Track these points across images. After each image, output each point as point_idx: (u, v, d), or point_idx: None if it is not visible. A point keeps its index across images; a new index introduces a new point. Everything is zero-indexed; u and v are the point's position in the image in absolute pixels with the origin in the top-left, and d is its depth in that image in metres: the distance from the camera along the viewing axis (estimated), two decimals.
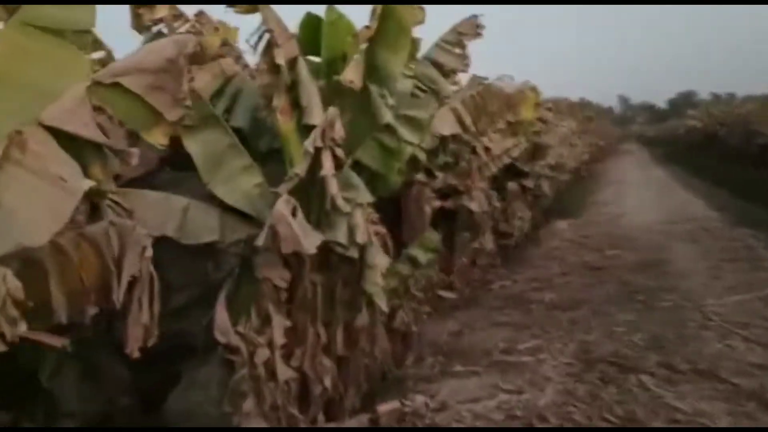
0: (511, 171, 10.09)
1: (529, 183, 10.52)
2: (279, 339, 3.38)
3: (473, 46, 4.95)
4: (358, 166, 4.02)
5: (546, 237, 10.35)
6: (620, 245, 9.06)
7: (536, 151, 10.94)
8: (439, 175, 7.04)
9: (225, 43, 4.36)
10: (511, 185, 10.02)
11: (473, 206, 7.79)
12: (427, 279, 6.56)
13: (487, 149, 7.94)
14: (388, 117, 3.96)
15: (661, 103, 75.99)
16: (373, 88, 3.89)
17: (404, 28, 4.00)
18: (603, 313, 5.84)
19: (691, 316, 5.56)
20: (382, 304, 3.89)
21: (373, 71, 3.90)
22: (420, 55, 4.83)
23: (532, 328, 5.62)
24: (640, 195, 15.77)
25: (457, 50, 4.85)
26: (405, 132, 4.19)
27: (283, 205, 3.21)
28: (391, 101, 3.97)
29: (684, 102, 59.51)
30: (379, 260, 3.86)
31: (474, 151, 7.78)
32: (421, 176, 6.41)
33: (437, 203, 7.11)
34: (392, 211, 5.96)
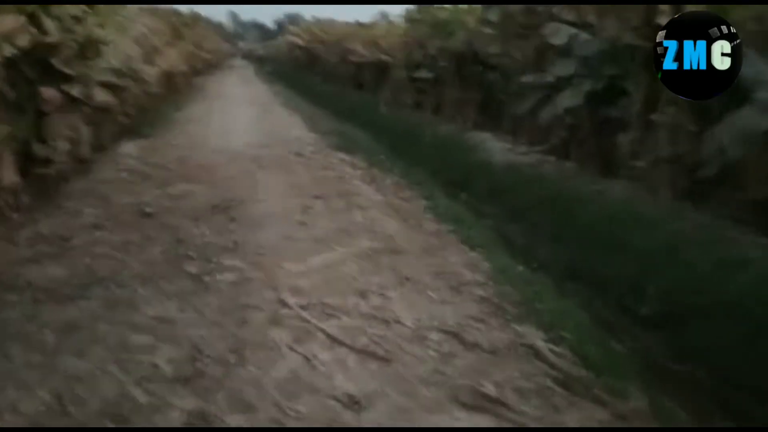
0: (47, 71, 6.97)
1: (74, 91, 7.47)
2: None
3: None
4: None
5: (102, 165, 7.53)
6: (194, 177, 6.78)
7: (87, 49, 7.87)
8: None
9: None
10: (48, 92, 6.89)
11: None
12: None
13: None
14: None
15: (269, 23, 76.17)
16: None
17: None
18: (124, 305, 3.46)
19: (257, 299, 3.55)
20: None
21: None
22: None
23: None
24: (237, 113, 13.77)
25: None
26: None
27: None
28: None
29: (290, 23, 60.10)
30: None
31: None
32: None
33: None
34: None
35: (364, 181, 6.67)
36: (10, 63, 5.91)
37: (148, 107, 12.53)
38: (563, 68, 7.27)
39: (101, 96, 8.27)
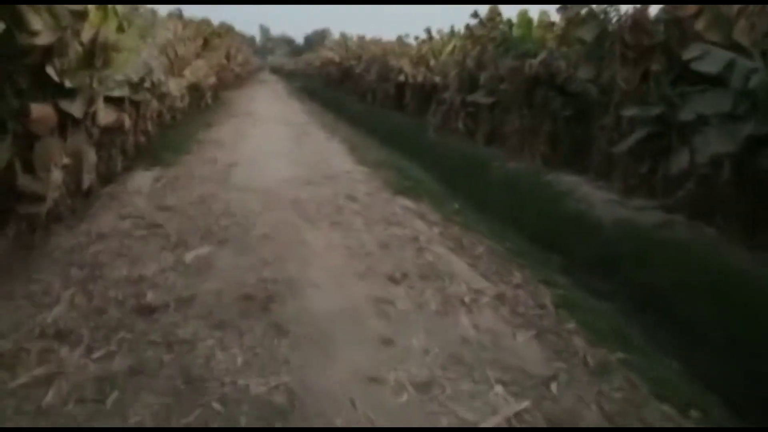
0: (41, 83, 5.16)
1: (74, 108, 5.59)
2: None
3: None
4: None
5: (105, 204, 5.65)
6: (220, 233, 4.87)
7: (95, 55, 6.00)
8: None
9: None
10: (39, 109, 5.05)
11: None
12: None
13: None
14: None
15: (299, 38, 74.84)
16: None
17: None
18: None
19: None
20: None
21: None
22: None
23: None
24: (270, 135, 11.85)
25: None
26: None
27: None
28: None
29: (319, 38, 58.60)
30: None
31: None
32: None
33: None
34: None
35: (449, 248, 4.70)
36: None
37: (171, 125, 10.71)
38: (714, 103, 5.29)
39: (110, 115, 6.42)
